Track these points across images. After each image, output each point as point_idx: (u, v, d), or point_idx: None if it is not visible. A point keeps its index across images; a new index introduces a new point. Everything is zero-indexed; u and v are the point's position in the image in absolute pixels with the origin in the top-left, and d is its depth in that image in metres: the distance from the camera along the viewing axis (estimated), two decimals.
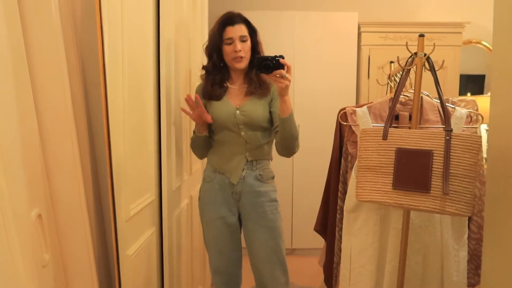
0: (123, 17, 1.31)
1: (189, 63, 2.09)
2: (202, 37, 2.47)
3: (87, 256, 1.03)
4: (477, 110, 1.51)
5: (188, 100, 1.66)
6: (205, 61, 1.78)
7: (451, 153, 1.14)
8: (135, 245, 1.45)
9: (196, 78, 1.99)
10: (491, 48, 3.63)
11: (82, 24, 1.16)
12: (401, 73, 1.57)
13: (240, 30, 1.62)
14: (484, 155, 2.55)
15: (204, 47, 1.73)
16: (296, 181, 3.33)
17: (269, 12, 3.25)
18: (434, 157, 1.15)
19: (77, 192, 1.00)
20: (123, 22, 1.31)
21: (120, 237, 1.27)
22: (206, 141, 1.75)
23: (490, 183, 1.24)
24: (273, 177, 1.73)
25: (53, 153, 0.97)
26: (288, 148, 1.59)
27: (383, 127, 1.24)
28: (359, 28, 3.25)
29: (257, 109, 1.64)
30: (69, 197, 0.99)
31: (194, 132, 1.78)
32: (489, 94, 3.82)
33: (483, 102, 3.49)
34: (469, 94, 3.69)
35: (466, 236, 1.39)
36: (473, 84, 3.69)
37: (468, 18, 3.36)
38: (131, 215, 1.40)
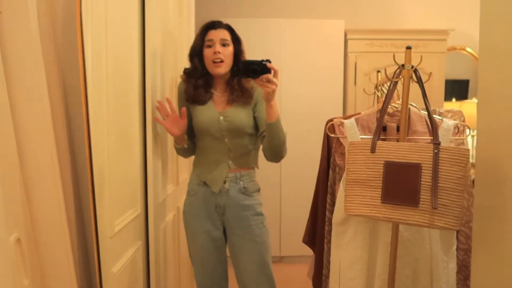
0: (107, 25, 1.28)
1: (175, 71, 2.06)
2: (188, 46, 2.44)
3: (69, 279, 0.99)
4: (463, 121, 1.52)
5: (159, 108, 1.63)
6: None
7: (439, 167, 1.13)
8: (121, 261, 1.42)
9: None
10: (475, 54, 3.69)
11: (63, 36, 1.13)
12: (388, 84, 1.57)
13: (222, 33, 1.61)
14: (471, 160, 2.58)
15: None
16: (284, 187, 3.32)
17: (256, 19, 3.25)
18: (422, 171, 1.15)
19: (58, 212, 0.97)
20: (107, 29, 1.28)
21: (104, 255, 1.23)
22: (188, 149, 1.73)
23: (478, 194, 1.24)
24: (258, 190, 1.70)
25: (32, 173, 0.94)
26: (276, 153, 1.57)
27: (371, 140, 1.23)
28: (345, 35, 3.27)
29: (240, 115, 1.61)
30: (50, 218, 0.95)
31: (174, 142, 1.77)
32: (473, 99, 3.85)
33: (468, 107, 3.56)
34: (454, 100, 3.74)
35: (454, 247, 1.39)
36: (458, 89, 3.75)
37: (452, 26, 3.40)
38: (116, 231, 1.36)
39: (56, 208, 0.97)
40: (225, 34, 1.61)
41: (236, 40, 1.65)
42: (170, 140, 1.98)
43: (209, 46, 1.60)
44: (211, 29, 1.61)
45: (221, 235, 1.69)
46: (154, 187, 1.70)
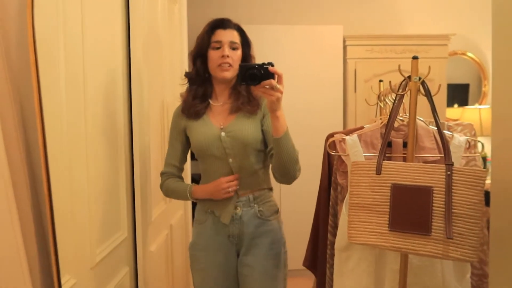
0: (84, 43, 1.18)
1: (164, 90, 1.95)
2: (181, 53, 2.34)
3: None
4: (474, 134, 1.41)
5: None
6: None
7: (453, 190, 1.02)
8: None
9: (173, 105, 1.82)
10: (475, 58, 3.60)
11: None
12: (392, 95, 1.46)
13: (231, 35, 1.43)
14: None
15: (190, 52, 1.52)
16: (284, 203, 3.18)
17: (252, 26, 3.13)
18: (434, 194, 1.03)
19: (15, 250, 0.85)
20: (84, 49, 1.18)
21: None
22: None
23: (494, 216, 1.14)
24: (277, 211, 1.50)
25: None
26: (287, 173, 1.34)
27: (376, 160, 1.12)
28: (344, 41, 3.17)
29: (246, 128, 1.40)
30: (5, 259, 0.84)
31: (163, 173, 1.55)
32: (476, 105, 3.73)
33: (470, 113, 3.46)
34: (456, 106, 3.65)
35: (468, 275, 1.28)
36: (459, 93, 3.68)
37: (453, 30, 3.30)
38: (98, 260, 1.25)
39: (13, 245, 0.85)
40: (234, 36, 1.43)
41: (246, 43, 1.48)
42: (158, 154, 1.87)
43: (216, 48, 1.41)
44: (219, 29, 1.43)
45: (235, 266, 1.48)
46: (143, 207, 1.58)
